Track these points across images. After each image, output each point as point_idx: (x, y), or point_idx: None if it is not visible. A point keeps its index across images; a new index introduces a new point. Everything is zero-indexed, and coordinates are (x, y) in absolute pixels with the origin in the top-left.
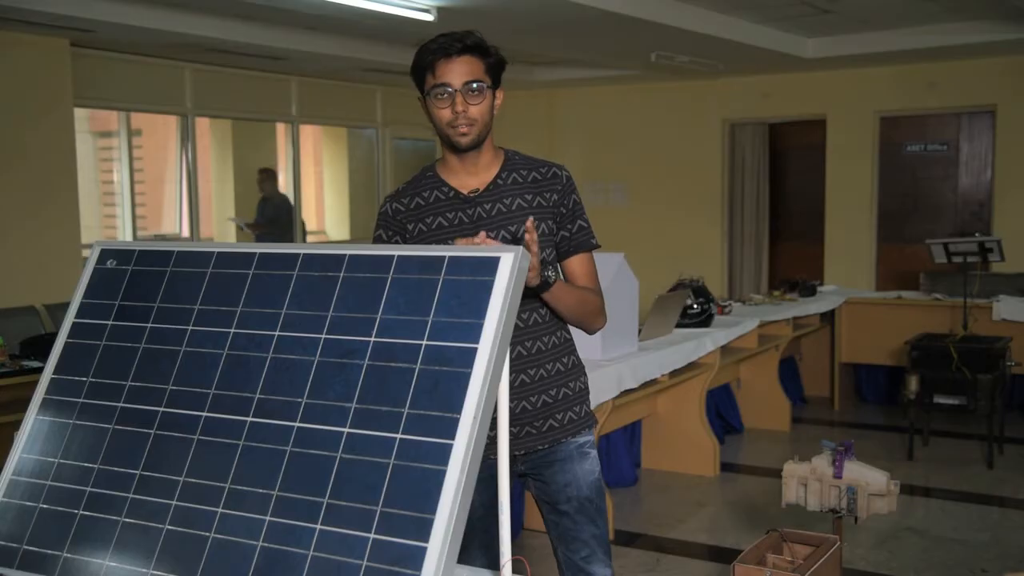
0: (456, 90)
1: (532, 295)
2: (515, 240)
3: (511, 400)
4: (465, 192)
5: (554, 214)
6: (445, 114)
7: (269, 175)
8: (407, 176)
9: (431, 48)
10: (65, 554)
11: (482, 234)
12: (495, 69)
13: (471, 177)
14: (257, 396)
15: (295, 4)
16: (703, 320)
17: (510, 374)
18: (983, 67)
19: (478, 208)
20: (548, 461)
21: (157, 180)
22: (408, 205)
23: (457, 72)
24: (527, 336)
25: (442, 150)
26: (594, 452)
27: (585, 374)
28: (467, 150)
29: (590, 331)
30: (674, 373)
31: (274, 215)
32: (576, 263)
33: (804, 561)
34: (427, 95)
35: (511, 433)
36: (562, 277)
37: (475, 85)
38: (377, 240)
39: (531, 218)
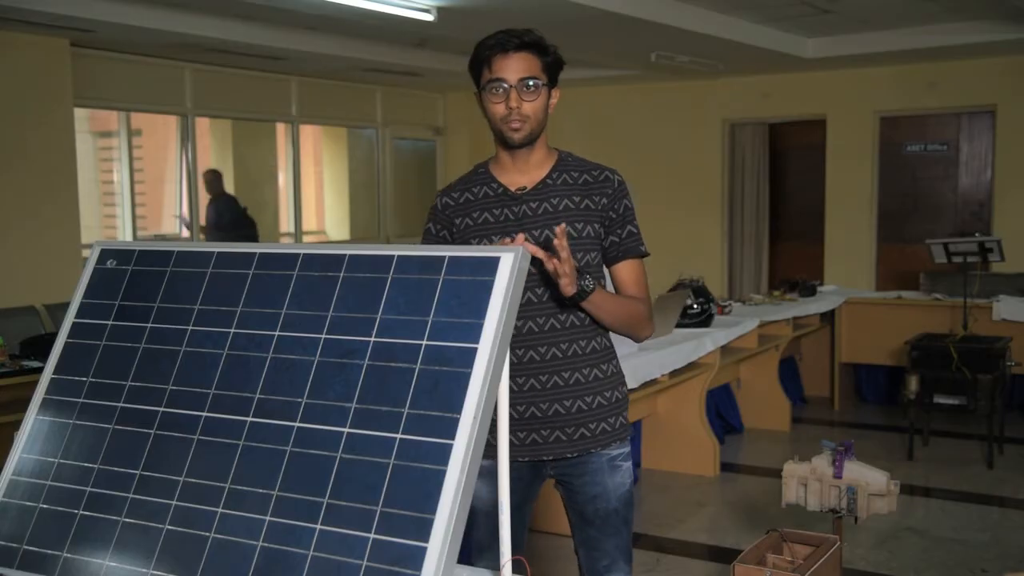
0: (511, 86)
1: (571, 304)
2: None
3: (543, 402)
4: (513, 189)
5: (602, 218)
6: (499, 109)
7: (215, 176)
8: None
9: (489, 43)
10: (65, 554)
11: (520, 236)
12: (552, 68)
13: (521, 175)
14: (257, 396)
15: (295, 4)
16: (703, 320)
17: (543, 375)
18: (983, 67)
19: (524, 206)
20: (578, 471)
21: (157, 180)
22: (458, 200)
23: (513, 68)
24: (563, 338)
25: (495, 147)
26: (627, 464)
27: (625, 384)
28: (519, 147)
29: (637, 340)
30: (674, 373)
31: (221, 217)
32: (624, 269)
33: (804, 561)
34: (482, 90)
35: (541, 436)
36: (609, 282)
37: (531, 82)
38: (426, 233)
39: (562, 224)
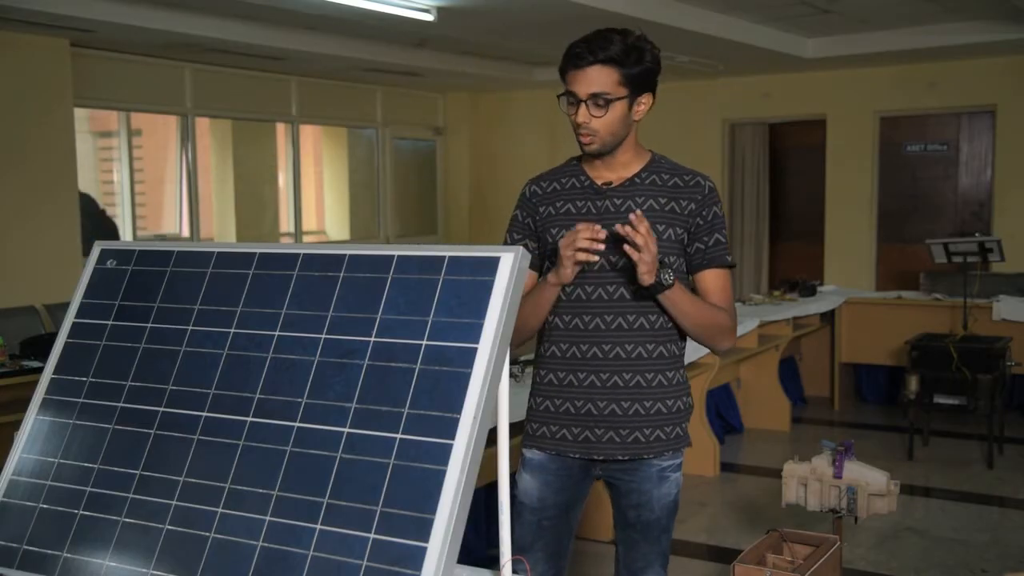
0: (581, 101)
1: (648, 297)
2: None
3: (601, 400)
4: (600, 184)
5: (687, 223)
6: (571, 120)
7: None
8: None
9: (571, 52)
10: (65, 554)
11: (596, 227)
12: (636, 77)
13: (610, 172)
14: (257, 396)
15: (295, 4)
16: None
17: (604, 373)
18: (983, 67)
19: (608, 201)
20: (627, 477)
21: (157, 180)
22: (545, 189)
23: (584, 83)
24: (629, 339)
25: None
26: (676, 475)
27: (689, 395)
28: (593, 155)
29: (717, 350)
30: None
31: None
32: (709, 278)
33: (804, 561)
34: (561, 95)
35: (595, 435)
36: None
37: (601, 98)
38: (513, 220)
39: (637, 211)
